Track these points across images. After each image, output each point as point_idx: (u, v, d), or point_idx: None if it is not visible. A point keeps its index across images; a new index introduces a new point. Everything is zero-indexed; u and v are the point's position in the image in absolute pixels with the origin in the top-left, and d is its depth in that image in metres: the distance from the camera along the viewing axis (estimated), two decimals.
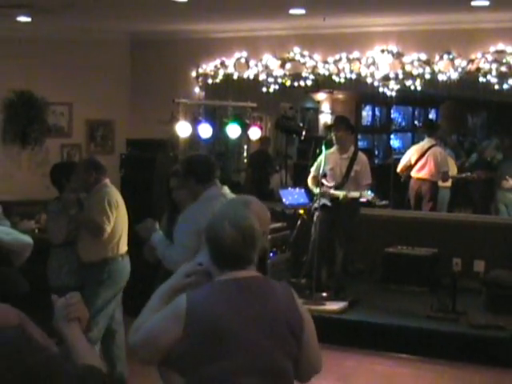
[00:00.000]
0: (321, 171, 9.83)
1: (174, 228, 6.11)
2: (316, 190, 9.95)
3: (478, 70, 10.58)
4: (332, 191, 9.88)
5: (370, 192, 9.84)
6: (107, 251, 7.33)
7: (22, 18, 10.95)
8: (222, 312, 3.61)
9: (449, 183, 12.57)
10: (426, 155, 12.09)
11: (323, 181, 9.92)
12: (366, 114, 17.37)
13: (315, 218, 9.79)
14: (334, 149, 10.18)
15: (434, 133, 12.55)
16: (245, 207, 4.01)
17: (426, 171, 12.08)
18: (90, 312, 7.54)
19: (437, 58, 10.76)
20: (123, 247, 7.54)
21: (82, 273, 7.41)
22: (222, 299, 3.65)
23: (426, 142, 12.35)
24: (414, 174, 12.17)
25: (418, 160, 12.13)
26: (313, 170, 10.28)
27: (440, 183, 12.37)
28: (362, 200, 10.84)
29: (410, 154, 12.40)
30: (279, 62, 11.70)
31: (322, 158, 10.12)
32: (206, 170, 6.04)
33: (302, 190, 10.58)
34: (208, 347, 3.57)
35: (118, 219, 7.41)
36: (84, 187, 7.53)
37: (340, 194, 9.80)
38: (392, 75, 11.05)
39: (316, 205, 9.82)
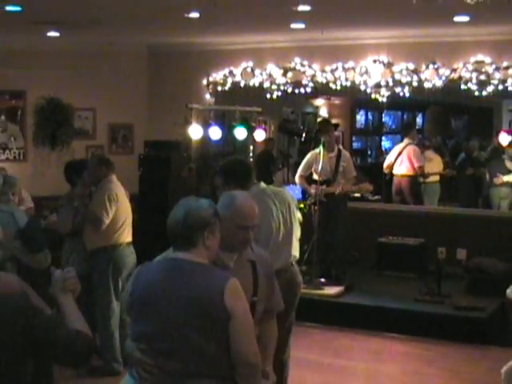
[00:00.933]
0: (319, 168, 9.86)
1: None
2: (310, 189, 9.99)
3: (460, 78, 10.59)
4: (331, 187, 9.92)
5: (368, 184, 10.05)
6: (107, 240, 7.35)
7: (52, 34, 10.98)
8: (152, 282, 3.74)
9: (436, 178, 12.63)
10: (403, 153, 12.13)
11: (315, 177, 9.98)
12: (360, 117, 17.39)
13: (313, 211, 9.84)
14: (320, 148, 10.13)
15: (410, 133, 12.55)
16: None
17: (404, 167, 12.12)
18: (99, 296, 7.54)
19: (423, 67, 10.77)
20: (124, 237, 7.52)
21: (90, 261, 7.47)
22: (157, 272, 3.78)
23: (403, 142, 12.40)
24: (394, 171, 12.19)
25: (397, 158, 12.18)
26: (300, 170, 10.29)
27: (431, 178, 12.43)
28: (357, 194, 10.93)
29: (392, 154, 12.44)
30: (282, 71, 11.71)
31: (308, 158, 10.17)
32: (243, 173, 5.76)
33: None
34: (137, 308, 3.77)
35: (118, 212, 7.40)
36: (94, 182, 7.58)
37: (337, 189, 9.86)
38: (383, 83, 11.05)
39: (313, 200, 9.86)
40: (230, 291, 3.63)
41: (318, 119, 14.28)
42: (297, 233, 6.04)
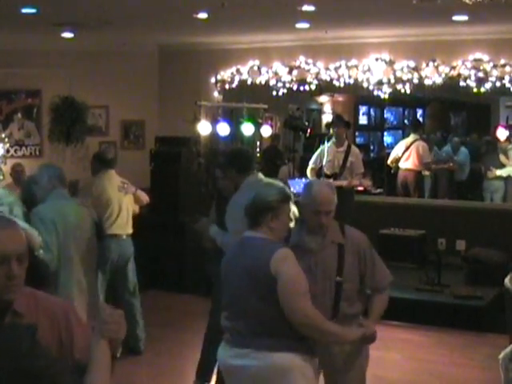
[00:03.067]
0: (324, 162, 9.89)
1: (221, 213, 6.07)
2: None
3: (459, 75, 10.58)
4: (338, 181, 9.94)
5: (368, 180, 10.05)
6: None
7: (66, 34, 10.99)
8: (228, 258, 4.39)
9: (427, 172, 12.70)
10: (410, 148, 12.16)
11: (324, 170, 10.01)
12: (363, 114, 17.38)
13: None
14: (331, 143, 10.22)
15: (418, 130, 12.61)
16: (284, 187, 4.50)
17: (411, 162, 12.15)
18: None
19: (423, 65, 10.77)
20: (114, 229, 7.54)
21: None
22: (233, 249, 4.43)
23: (410, 137, 12.43)
24: (401, 165, 12.23)
25: (404, 153, 12.20)
26: (311, 163, 10.34)
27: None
28: (360, 188, 10.94)
29: (398, 148, 12.46)
30: (287, 69, 11.70)
31: (319, 151, 10.20)
32: (245, 162, 6.04)
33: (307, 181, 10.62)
34: (222, 282, 4.34)
35: (100, 205, 7.40)
36: (92, 175, 8.00)
37: (344, 183, 9.89)
38: (385, 80, 11.05)
39: None
40: (276, 258, 4.02)
41: (324, 115, 14.35)
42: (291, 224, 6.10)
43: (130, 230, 7.89)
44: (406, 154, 12.17)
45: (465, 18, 9.28)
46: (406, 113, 18.18)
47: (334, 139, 10.32)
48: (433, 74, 10.72)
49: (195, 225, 6.36)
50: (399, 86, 11.01)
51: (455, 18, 9.29)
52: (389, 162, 12.40)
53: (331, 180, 9.96)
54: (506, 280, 5.96)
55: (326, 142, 9.97)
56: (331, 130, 10.27)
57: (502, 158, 12.43)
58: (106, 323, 2.82)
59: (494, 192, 12.44)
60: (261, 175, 6.11)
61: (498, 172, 12.35)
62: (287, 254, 4.08)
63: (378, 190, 12.43)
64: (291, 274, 4.03)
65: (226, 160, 6.18)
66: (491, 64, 10.35)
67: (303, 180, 10.66)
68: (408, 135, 12.90)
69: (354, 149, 10.40)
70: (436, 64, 10.66)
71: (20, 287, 2.87)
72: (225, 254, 5.85)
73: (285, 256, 4.06)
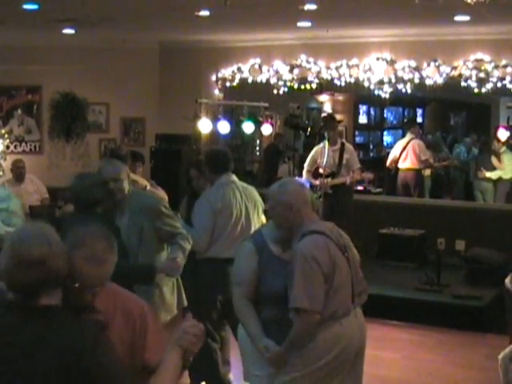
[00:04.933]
0: (324, 162, 9.88)
1: (191, 210, 6.20)
2: (315, 182, 10.01)
3: (460, 75, 10.56)
4: (337, 179, 9.94)
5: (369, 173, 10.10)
6: None
7: (67, 31, 10.99)
8: None
9: (428, 172, 12.69)
10: (407, 148, 12.17)
11: (320, 170, 9.99)
12: (363, 113, 17.38)
13: (319, 203, 9.87)
14: (325, 143, 10.17)
15: (413, 128, 12.59)
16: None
17: (409, 161, 12.15)
18: None
19: (425, 65, 10.75)
20: None
21: None
22: None
23: (406, 137, 12.44)
24: (400, 165, 12.23)
25: (401, 153, 12.20)
26: (306, 165, 10.33)
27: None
28: (360, 188, 10.94)
29: (395, 149, 12.47)
30: (288, 68, 11.68)
31: (313, 153, 10.19)
32: (220, 162, 6.16)
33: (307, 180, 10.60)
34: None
35: None
36: None
37: (347, 179, 9.88)
38: (386, 80, 11.03)
39: (319, 193, 9.87)
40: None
41: (323, 115, 14.31)
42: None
43: None
44: (403, 154, 12.18)
45: (466, 18, 9.28)
46: (406, 113, 18.19)
47: (327, 139, 10.25)
48: (434, 74, 10.70)
49: None
50: (400, 86, 10.99)
51: (457, 18, 9.29)
52: (388, 164, 12.41)
53: (329, 179, 9.97)
54: (506, 280, 5.96)
55: (326, 142, 9.94)
56: (326, 133, 10.21)
57: (494, 160, 12.43)
58: (187, 333, 2.87)
59: (484, 192, 12.46)
60: (234, 177, 6.20)
61: (488, 174, 12.36)
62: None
63: (378, 190, 12.44)
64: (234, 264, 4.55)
65: (203, 159, 6.34)
66: (492, 64, 10.34)
67: (303, 179, 10.64)
68: (404, 135, 12.90)
69: (348, 146, 10.42)
70: (437, 64, 10.65)
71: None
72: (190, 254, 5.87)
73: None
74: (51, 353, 2.56)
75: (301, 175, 10.65)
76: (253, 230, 6.05)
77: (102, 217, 5.13)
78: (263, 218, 6.33)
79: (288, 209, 4.35)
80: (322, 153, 9.98)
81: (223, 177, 6.12)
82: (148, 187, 7.58)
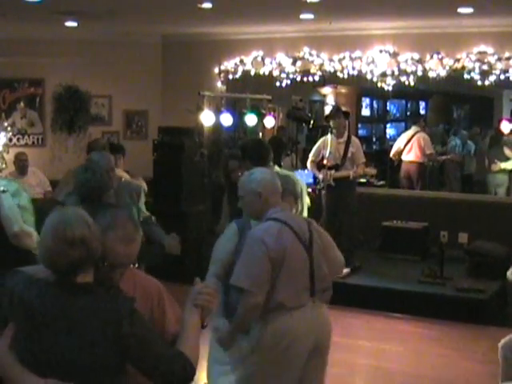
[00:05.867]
0: (326, 154, 9.87)
1: (234, 205, 6.08)
2: (318, 174, 9.99)
3: (463, 68, 10.56)
4: (340, 173, 9.91)
5: (373, 168, 10.10)
6: None
7: (70, 23, 10.99)
8: None
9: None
10: (412, 141, 12.16)
11: (325, 161, 9.98)
12: (366, 106, 17.34)
13: (322, 195, 9.87)
14: (331, 135, 10.17)
15: (418, 121, 12.59)
16: None
17: (413, 154, 12.14)
18: None
19: (428, 57, 10.74)
20: None
21: None
22: None
23: (411, 130, 12.42)
24: (403, 157, 12.22)
25: (406, 145, 12.19)
26: (311, 155, 10.30)
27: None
28: (362, 180, 10.93)
29: (400, 141, 12.46)
30: (291, 60, 11.69)
31: (319, 144, 10.17)
32: (261, 154, 6.05)
33: (310, 172, 10.59)
34: None
35: None
36: None
37: (350, 173, 9.86)
38: (389, 72, 11.03)
39: (322, 185, 9.87)
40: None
41: (327, 106, 14.29)
42: (304, 215, 6.11)
43: None
44: (407, 147, 12.17)
45: (470, 10, 9.26)
46: (409, 105, 18.12)
47: (333, 131, 10.26)
48: (437, 67, 10.70)
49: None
50: (403, 78, 10.99)
51: (460, 10, 9.28)
52: (391, 155, 12.42)
53: (333, 171, 9.95)
54: (509, 273, 5.96)
55: (329, 134, 9.95)
56: (331, 123, 10.22)
57: (507, 151, 12.38)
58: (200, 293, 3.12)
59: (498, 186, 12.39)
60: (277, 168, 6.13)
61: (503, 165, 12.31)
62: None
63: (381, 183, 12.42)
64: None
65: (242, 151, 6.19)
66: (496, 57, 10.33)
67: (306, 171, 10.64)
68: (409, 128, 12.88)
69: (354, 139, 10.37)
70: (440, 56, 10.64)
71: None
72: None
73: None
74: (94, 325, 2.85)
75: (304, 168, 10.65)
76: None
77: (107, 206, 5.34)
78: (307, 199, 6.37)
79: (256, 197, 4.44)
80: (326, 144, 9.98)
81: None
82: (123, 179, 7.62)
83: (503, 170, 12.31)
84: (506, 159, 12.31)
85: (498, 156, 12.39)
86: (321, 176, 9.92)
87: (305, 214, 6.15)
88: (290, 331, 4.25)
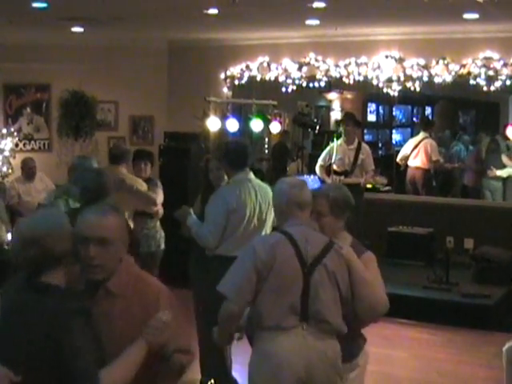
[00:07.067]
0: (333, 160, 9.90)
1: (205, 204, 6.11)
2: (327, 179, 10.00)
3: (469, 73, 10.55)
4: (351, 179, 9.92)
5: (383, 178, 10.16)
6: None
7: (76, 29, 11.03)
8: None
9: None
10: (419, 146, 12.15)
11: (334, 167, 10.00)
12: (371, 111, 17.34)
13: None
14: (341, 140, 10.24)
15: (428, 128, 12.59)
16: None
17: (419, 160, 12.15)
18: None
19: (433, 63, 10.74)
20: None
21: None
22: None
23: (420, 135, 12.43)
24: (409, 162, 12.23)
25: (413, 151, 12.20)
26: (320, 160, 10.33)
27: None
28: (368, 185, 10.93)
29: (407, 146, 12.46)
30: (297, 66, 11.68)
31: (329, 149, 10.20)
32: (238, 157, 6.06)
33: (316, 177, 10.59)
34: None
35: None
36: None
37: (361, 181, 9.89)
38: (394, 78, 11.02)
39: None
40: None
41: (333, 112, 14.33)
42: (267, 230, 6.08)
43: None
44: (414, 152, 12.18)
45: (475, 15, 9.26)
46: (415, 111, 18.13)
47: (343, 137, 10.33)
48: (442, 72, 10.69)
49: (175, 212, 6.33)
50: (409, 84, 10.98)
51: (466, 15, 9.28)
52: (398, 159, 12.43)
53: (342, 177, 9.97)
54: None
55: (335, 140, 9.97)
56: (341, 127, 10.26)
57: (505, 158, 12.37)
58: (148, 327, 3.05)
59: (493, 191, 12.40)
60: (251, 174, 6.13)
61: (499, 172, 12.31)
62: None
63: (387, 188, 12.42)
64: None
65: (222, 151, 6.19)
66: (501, 62, 10.33)
67: (312, 177, 10.64)
68: (418, 133, 12.88)
69: (365, 146, 10.41)
70: (446, 62, 10.64)
71: (104, 268, 3.16)
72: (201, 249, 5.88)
73: None
74: (31, 323, 2.92)
75: (309, 173, 10.66)
76: (265, 229, 6.05)
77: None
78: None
79: (276, 208, 4.40)
80: (336, 149, 10.02)
81: (240, 174, 6.04)
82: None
83: (498, 177, 12.31)
84: (503, 166, 12.31)
85: (495, 162, 12.39)
86: (330, 181, 9.92)
87: (268, 229, 6.11)
88: (274, 354, 3.94)
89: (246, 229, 5.98)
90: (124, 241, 3.28)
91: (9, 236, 8.24)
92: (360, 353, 4.42)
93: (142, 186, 7.97)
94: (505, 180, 12.35)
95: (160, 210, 8.17)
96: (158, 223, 8.23)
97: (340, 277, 4.08)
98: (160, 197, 8.15)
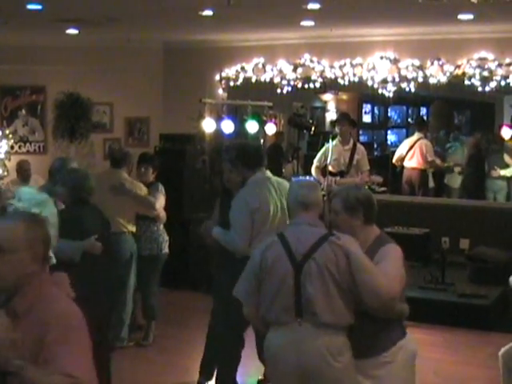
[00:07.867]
0: (328, 160, 9.89)
1: (224, 211, 6.05)
2: (322, 180, 10.00)
3: (464, 74, 10.57)
4: (346, 180, 9.93)
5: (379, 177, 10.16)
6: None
7: (71, 31, 11.02)
8: None
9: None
10: (414, 147, 12.18)
11: (330, 168, 10.00)
12: (366, 112, 17.36)
13: (325, 202, 9.86)
14: (336, 141, 10.25)
15: (422, 128, 12.61)
16: None
17: (415, 160, 12.17)
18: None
19: (428, 63, 10.75)
20: (115, 227, 7.23)
21: None
22: None
23: (415, 136, 12.46)
24: (405, 163, 12.25)
25: (408, 151, 12.22)
26: (316, 160, 10.34)
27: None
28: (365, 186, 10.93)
29: (402, 147, 12.48)
30: (292, 67, 11.69)
31: (324, 150, 10.20)
32: (254, 157, 6.04)
33: (312, 179, 10.58)
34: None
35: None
36: None
37: (357, 180, 9.89)
38: (389, 78, 11.03)
39: (324, 192, 9.88)
40: None
41: (329, 113, 14.33)
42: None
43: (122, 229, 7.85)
44: (410, 153, 12.20)
45: (470, 16, 9.28)
46: (410, 111, 18.16)
47: (339, 137, 10.35)
48: (437, 73, 10.71)
49: (199, 230, 6.35)
50: (404, 85, 10.99)
51: (460, 16, 9.29)
52: (394, 160, 12.46)
53: (337, 178, 9.97)
54: (511, 279, 5.96)
55: (330, 141, 9.97)
56: (336, 128, 10.27)
57: (507, 158, 12.40)
58: None
59: (497, 192, 12.42)
60: (269, 173, 6.12)
61: (502, 172, 12.32)
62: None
63: (382, 189, 12.43)
64: None
65: (236, 153, 6.09)
66: (496, 63, 10.34)
67: (307, 178, 10.63)
68: (412, 134, 12.90)
69: (360, 146, 10.45)
70: (441, 63, 10.65)
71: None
72: (229, 253, 5.86)
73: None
74: None
75: (305, 175, 10.66)
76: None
77: (94, 207, 6.29)
78: None
79: (287, 207, 4.73)
80: (334, 150, 10.03)
81: (258, 174, 6.00)
82: None
83: (502, 177, 12.33)
84: (506, 166, 12.33)
85: (498, 162, 12.41)
86: (325, 182, 9.91)
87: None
88: (271, 346, 4.29)
89: (272, 226, 5.91)
90: (34, 254, 2.99)
91: None
92: (391, 347, 4.35)
93: (142, 190, 7.97)
94: (509, 179, 12.37)
95: (162, 213, 8.16)
96: (162, 227, 8.23)
97: (334, 267, 4.17)
98: (160, 201, 8.13)
